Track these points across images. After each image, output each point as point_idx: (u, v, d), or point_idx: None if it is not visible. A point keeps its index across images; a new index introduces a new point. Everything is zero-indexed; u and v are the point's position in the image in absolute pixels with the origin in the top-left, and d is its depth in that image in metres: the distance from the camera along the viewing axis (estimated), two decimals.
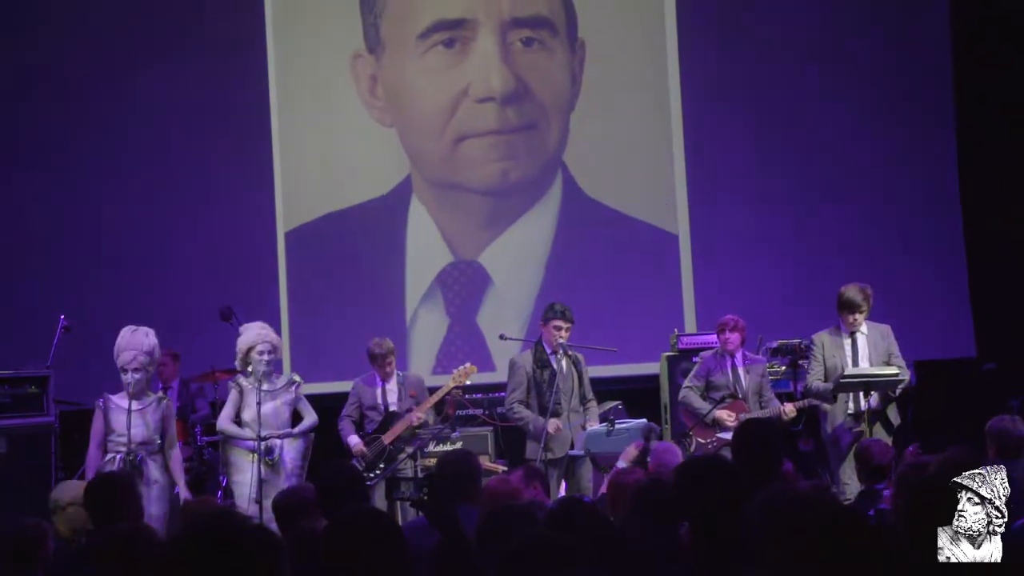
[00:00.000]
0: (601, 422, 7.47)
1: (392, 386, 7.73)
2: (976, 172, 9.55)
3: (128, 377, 6.63)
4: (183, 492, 6.80)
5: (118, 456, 6.64)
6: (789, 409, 7.51)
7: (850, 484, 6.86)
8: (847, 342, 7.41)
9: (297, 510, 4.34)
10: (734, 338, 7.59)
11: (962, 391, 8.84)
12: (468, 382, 7.78)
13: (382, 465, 7.56)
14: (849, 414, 7.34)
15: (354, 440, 7.67)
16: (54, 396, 7.99)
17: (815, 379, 7.46)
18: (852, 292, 7.37)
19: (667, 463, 5.35)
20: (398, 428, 7.59)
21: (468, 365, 7.80)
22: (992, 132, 9.52)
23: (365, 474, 7.35)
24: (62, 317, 8.36)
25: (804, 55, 9.71)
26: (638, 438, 6.60)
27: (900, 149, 9.67)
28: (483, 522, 3.56)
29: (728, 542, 3.37)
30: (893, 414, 7.40)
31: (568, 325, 7.46)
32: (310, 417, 7.29)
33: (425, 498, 3.62)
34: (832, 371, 7.38)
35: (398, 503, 7.57)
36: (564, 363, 7.50)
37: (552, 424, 7.30)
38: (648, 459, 5.90)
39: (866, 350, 7.38)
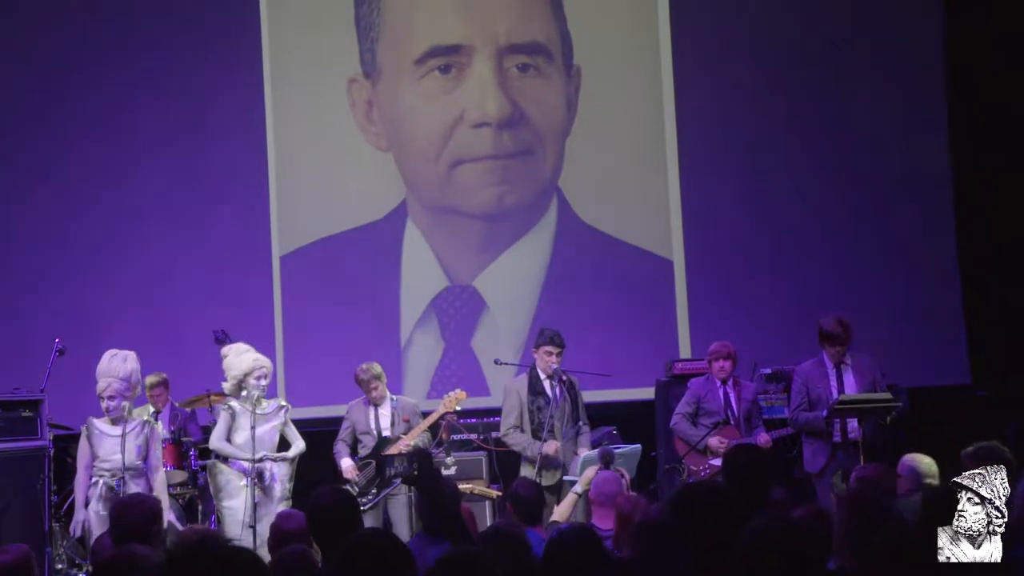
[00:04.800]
0: (595, 447, 7.47)
1: (385, 411, 7.71)
2: (971, 199, 9.58)
3: (104, 404, 6.65)
4: (169, 515, 6.79)
5: (101, 481, 6.64)
6: (764, 440, 7.50)
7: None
8: (832, 373, 7.40)
9: (295, 534, 4.33)
10: (727, 366, 7.60)
11: (956, 418, 8.85)
12: (459, 407, 7.77)
13: (374, 490, 7.54)
14: (835, 442, 7.30)
15: (347, 463, 7.65)
16: (47, 420, 7.97)
17: (798, 409, 7.43)
18: (832, 325, 7.32)
19: (606, 492, 5.36)
20: (391, 453, 7.57)
21: (458, 391, 7.79)
22: (987, 159, 9.55)
23: (359, 499, 7.33)
24: (56, 340, 8.34)
25: (799, 84, 9.76)
26: (597, 462, 6.64)
27: (895, 176, 9.70)
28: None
29: (723, 567, 3.37)
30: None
31: (559, 350, 7.47)
32: (299, 443, 7.30)
33: (416, 473, 3.60)
34: (816, 402, 7.35)
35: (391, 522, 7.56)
36: (559, 389, 7.50)
37: (550, 445, 7.29)
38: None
39: (852, 381, 7.36)
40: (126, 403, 6.73)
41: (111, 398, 6.66)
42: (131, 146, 9.79)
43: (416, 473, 3.50)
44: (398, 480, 7.52)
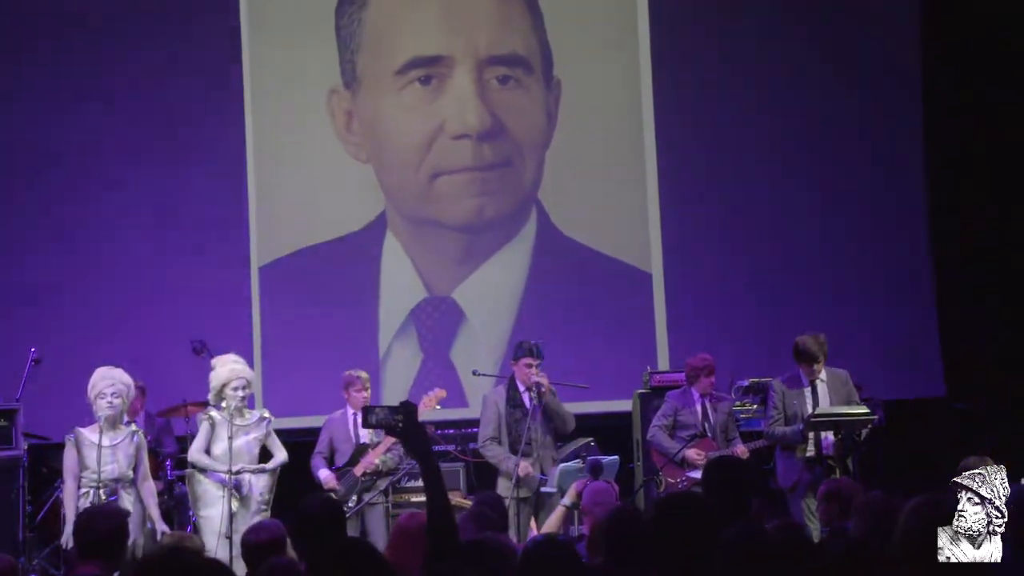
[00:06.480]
0: (573, 458, 7.49)
1: None
2: (946, 214, 9.65)
3: (107, 400, 6.63)
4: (158, 525, 6.77)
5: (91, 491, 6.61)
6: (741, 451, 7.53)
7: (809, 526, 6.86)
8: (807, 389, 7.42)
9: (267, 546, 4.30)
10: (713, 381, 7.63)
11: (932, 430, 8.90)
12: (438, 406, 7.71)
13: (353, 499, 7.54)
14: (808, 456, 7.32)
15: (325, 474, 7.65)
16: (22, 429, 7.92)
17: (775, 424, 7.46)
18: (808, 344, 7.32)
19: (601, 503, 5.38)
20: (369, 459, 7.58)
21: (438, 390, 7.75)
22: (962, 174, 9.63)
23: None
24: (32, 349, 8.30)
25: (779, 99, 9.81)
26: (585, 475, 6.65)
27: (871, 190, 9.78)
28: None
29: None
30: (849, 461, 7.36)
31: (538, 362, 7.47)
32: (281, 454, 7.26)
33: (399, 426, 3.57)
34: (792, 419, 7.37)
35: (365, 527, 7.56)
36: (537, 401, 7.49)
37: (522, 467, 7.29)
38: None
39: (826, 397, 7.37)
40: (122, 405, 6.73)
41: (115, 395, 6.67)
42: (109, 157, 9.76)
43: (400, 426, 3.44)
44: (376, 492, 7.53)
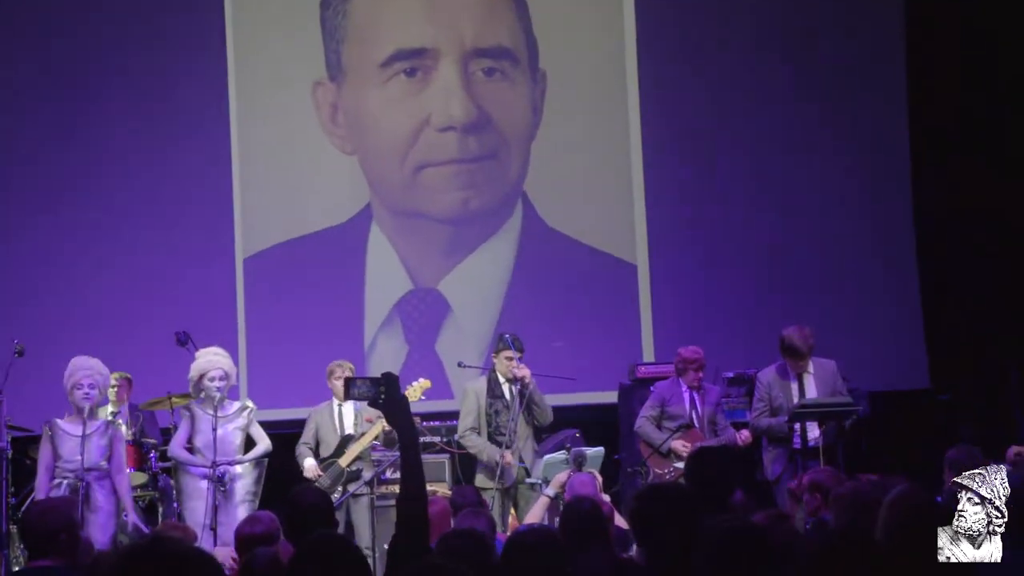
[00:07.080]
0: (559, 449, 7.50)
1: (348, 410, 7.72)
2: (930, 207, 9.67)
3: (83, 391, 6.58)
4: (131, 516, 6.76)
5: (65, 482, 6.58)
6: (745, 436, 7.55)
7: (792, 517, 6.87)
8: (794, 381, 7.42)
9: (261, 538, 4.30)
10: (702, 376, 7.63)
11: (917, 421, 8.93)
12: (423, 397, 7.70)
13: (338, 491, 7.53)
14: (794, 449, 7.34)
15: (310, 463, 7.64)
16: (6, 421, 7.88)
17: (761, 416, 7.46)
18: (797, 340, 7.30)
19: (581, 494, 5.40)
20: (354, 450, 7.58)
21: (422, 380, 7.74)
22: (946, 168, 9.64)
23: None
24: (15, 341, 8.25)
25: (765, 92, 9.81)
26: (569, 466, 6.67)
27: (857, 183, 9.79)
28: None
29: (682, 569, 3.38)
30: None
31: (519, 354, 7.46)
32: (264, 443, 7.25)
33: (382, 399, 3.54)
34: (779, 411, 7.38)
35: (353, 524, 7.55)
36: (518, 393, 7.48)
37: (507, 457, 7.29)
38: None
39: (813, 389, 7.39)
40: (98, 396, 6.70)
41: (91, 386, 6.63)
42: (94, 147, 9.73)
43: (382, 398, 3.41)
44: (361, 483, 7.53)
